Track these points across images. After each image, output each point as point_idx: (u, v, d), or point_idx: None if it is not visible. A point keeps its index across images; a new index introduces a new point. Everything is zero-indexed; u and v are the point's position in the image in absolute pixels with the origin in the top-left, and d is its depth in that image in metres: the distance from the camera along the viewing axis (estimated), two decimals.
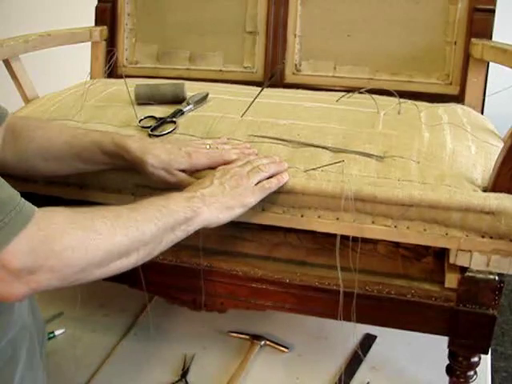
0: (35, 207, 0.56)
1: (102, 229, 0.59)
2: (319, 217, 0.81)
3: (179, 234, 0.69)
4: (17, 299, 0.56)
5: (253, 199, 0.78)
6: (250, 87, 1.19)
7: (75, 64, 1.44)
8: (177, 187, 0.79)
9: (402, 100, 1.03)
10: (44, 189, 0.93)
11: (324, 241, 0.91)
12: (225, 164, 0.82)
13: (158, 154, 0.80)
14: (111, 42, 1.42)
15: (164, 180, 0.81)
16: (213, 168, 0.82)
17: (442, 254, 0.85)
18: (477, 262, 0.77)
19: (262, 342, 1.09)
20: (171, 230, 0.68)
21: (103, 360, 1.06)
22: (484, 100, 1.19)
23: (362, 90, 1.07)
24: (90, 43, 1.40)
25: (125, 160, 0.82)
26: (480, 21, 1.18)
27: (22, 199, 0.56)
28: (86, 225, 0.58)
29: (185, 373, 1.02)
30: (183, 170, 0.82)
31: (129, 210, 0.64)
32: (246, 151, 0.85)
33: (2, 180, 0.56)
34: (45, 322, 1.12)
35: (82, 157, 0.83)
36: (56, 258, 0.55)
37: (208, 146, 0.86)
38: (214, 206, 0.73)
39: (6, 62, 1.14)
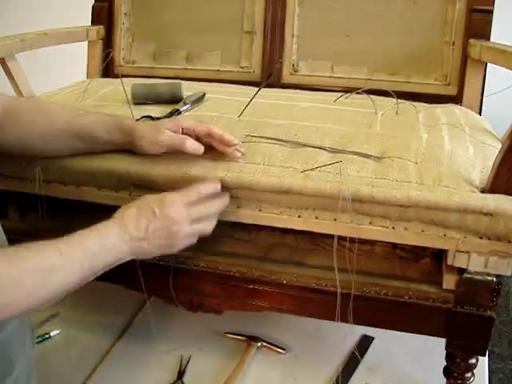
0: None
1: (31, 287, 0.61)
2: (316, 217, 0.81)
3: (106, 270, 0.72)
4: None
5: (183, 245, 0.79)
6: (248, 87, 1.18)
7: (72, 63, 1.44)
8: (165, 147, 0.81)
9: (399, 100, 1.03)
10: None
11: (321, 242, 0.90)
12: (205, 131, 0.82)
13: (147, 126, 0.85)
14: (108, 41, 1.42)
15: (153, 138, 0.82)
16: (197, 138, 0.82)
17: (439, 255, 0.85)
18: (475, 264, 0.77)
19: (259, 344, 1.08)
20: (99, 271, 0.71)
21: (99, 361, 1.05)
22: (482, 101, 1.20)
23: (359, 91, 1.07)
24: (86, 42, 1.40)
25: (122, 132, 0.84)
26: (478, 21, 1.18)
27: None
28: (15, 278, 0.60)
29: (181, 374, 1.02)
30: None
31: (63, 259, 0.65)
32: (237, 154, 0.84)
33: None
34: (40, 323, 1.12)
35: (80, 135, 0.84)
36: None
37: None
38: (141, 248, 0.74)
39: (2, 61, 1.13)
